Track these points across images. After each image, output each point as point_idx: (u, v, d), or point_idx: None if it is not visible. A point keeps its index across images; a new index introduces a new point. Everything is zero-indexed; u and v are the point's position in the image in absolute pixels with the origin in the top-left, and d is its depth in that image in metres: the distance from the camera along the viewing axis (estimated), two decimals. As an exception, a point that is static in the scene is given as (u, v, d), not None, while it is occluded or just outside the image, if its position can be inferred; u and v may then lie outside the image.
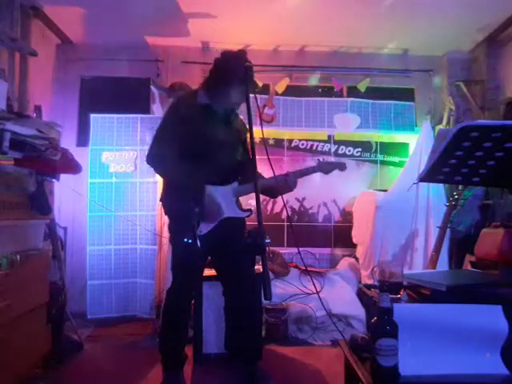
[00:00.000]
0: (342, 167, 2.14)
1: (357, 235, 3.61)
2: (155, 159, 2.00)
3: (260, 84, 3.80)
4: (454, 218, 3.00)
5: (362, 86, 3.87)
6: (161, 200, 2.12)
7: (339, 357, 1.56)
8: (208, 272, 2.78)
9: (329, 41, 3.75)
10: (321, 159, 3.43)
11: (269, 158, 1.83)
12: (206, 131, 2.01)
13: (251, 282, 2.15)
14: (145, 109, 3.70)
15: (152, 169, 2.06)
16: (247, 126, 2.29)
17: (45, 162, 2.30)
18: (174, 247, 2.11)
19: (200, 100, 2.04)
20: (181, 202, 1.93)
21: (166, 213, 2.12)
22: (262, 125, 1.84)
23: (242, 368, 2.12)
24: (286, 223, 3.78)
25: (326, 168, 2.12)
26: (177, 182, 2.04)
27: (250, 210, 2.11)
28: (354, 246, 3.62)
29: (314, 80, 3.87)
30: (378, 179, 3.86)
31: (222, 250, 2.09)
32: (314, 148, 3.85)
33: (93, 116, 3.45)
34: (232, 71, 1.96)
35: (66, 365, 2.42)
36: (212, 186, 2.01)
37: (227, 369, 2.31)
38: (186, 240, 1.89)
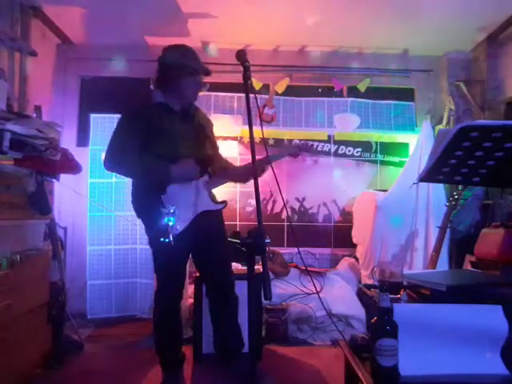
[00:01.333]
0: (297, 150, 2.24)
1: (357, 235, 3.61)
2: (116, 163, 1.92)
3: (260, 85, 3.80)
4: (454, 218, 3.00)
5: (362, 86, 3.87)
6: (132, 202, 2.07)
7: (339, 357, 1.57)
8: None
9: (329, 41, 3.75)
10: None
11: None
12: (164, 129, 1.98)
13: (230, 276, 2.18)
14: (145, 109, 3.70)
15: (113, 172, 2.05)
16: (211, 120, 2.29)
17: (45, 162, 2.30)
18: (153, 249, 2.07)
19: (155, 99, 2.02)
20: (151, 203, 1.90)
21: (138, 216, 2.07)
22: (262, 125, 1.84)
23: (241, 368, 2.11)
24: (285, 223, 3.78)
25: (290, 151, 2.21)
26: (141, 181, 2.00)
27: (224, 202, 2.12)
28: (354, 245, 3.62)
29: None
30: (378, 179, 3.86)
31: (202, 244, 2.08)
32: (314, 148, 3.85)
33: (93, 116, 3.45)
34: (174, 65, 1.98)
35: (65, 365, 2.42)
36: (181, 182, 1.97)
37: (227, 369, 2.31)
38: (162, 240, 1.86)
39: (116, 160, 1.92)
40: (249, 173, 2.02)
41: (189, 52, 2.07)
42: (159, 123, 1.97)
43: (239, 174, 2.23)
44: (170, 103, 2.03)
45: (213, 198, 2.11)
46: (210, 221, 2.04)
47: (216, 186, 2.12)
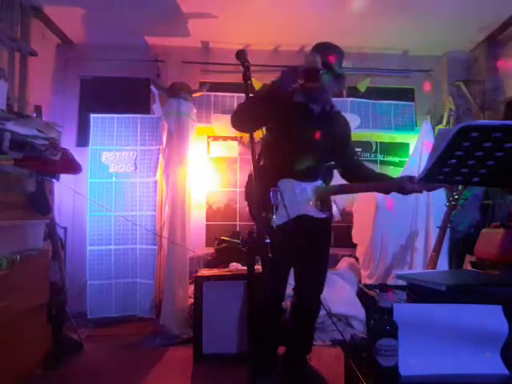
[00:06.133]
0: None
1: (357, 235, 3.60)
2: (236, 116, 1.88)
3: (260, 85, 3.79)
4: (453, 218, 3.00)
5: (362, 86, 3.87)
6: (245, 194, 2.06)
7: (339, 357, 1.56)
8: (208, 272, 2.79)
9: (329, 41, 3.73)
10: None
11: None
12: (295, 127, 1.96)
13: (318, 292, 2.13)
14: (145, 109, 3.71)
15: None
16: (349, 124, 2.20)
17: (45, 161, 2.30)
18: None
19: (296, 98, 2.01)
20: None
21: (249, 207, 2.02)
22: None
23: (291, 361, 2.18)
24: (285, 223, 3.77)
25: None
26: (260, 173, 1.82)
27: (329, 212, 2.03)
28: (354, 245, 3.62)
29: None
30: (378, 179, 3.85)
31: (301, 252, 2.03)
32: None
33: (93, 116, 3.45)
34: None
35: (65, 365, 2.42)
36: (293, 180, 1.92)
37: (227, 369, 2.31)
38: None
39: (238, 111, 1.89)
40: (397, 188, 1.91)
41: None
42: (293, 119, 1.96)
43: (387, 188, 2.04)
44: (309, 104, 2.00)
45: (319, 205, 1.98)
46: (308, 226, 1.95)
47: (326, 194, 2.02)
